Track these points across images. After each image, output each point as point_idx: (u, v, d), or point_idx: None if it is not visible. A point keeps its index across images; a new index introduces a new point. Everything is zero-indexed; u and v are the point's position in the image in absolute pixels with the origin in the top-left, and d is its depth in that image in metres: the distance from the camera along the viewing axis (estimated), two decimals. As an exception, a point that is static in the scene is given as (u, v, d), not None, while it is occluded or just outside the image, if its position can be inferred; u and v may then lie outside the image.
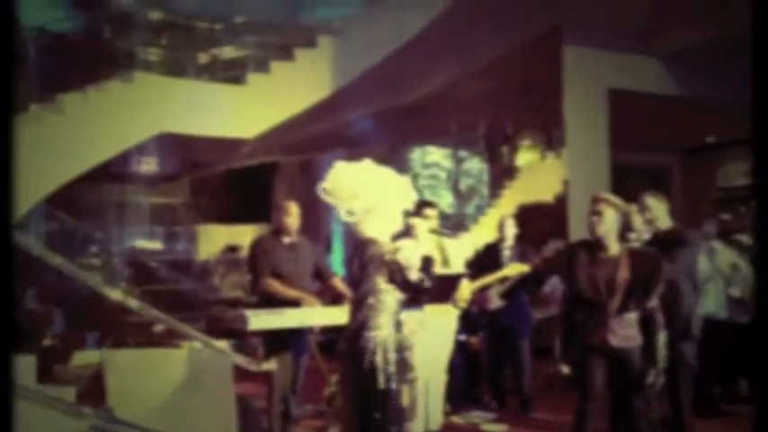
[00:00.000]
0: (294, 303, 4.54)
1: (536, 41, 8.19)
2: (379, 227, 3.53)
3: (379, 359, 3.34)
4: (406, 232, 5.13)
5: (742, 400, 5.98)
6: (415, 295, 3.67)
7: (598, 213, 3.78)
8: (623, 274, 3.72)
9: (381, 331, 3.40)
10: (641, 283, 3.71)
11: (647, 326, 3.80)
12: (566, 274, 3.96)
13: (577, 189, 8.24)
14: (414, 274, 3.47)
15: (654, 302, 3.77)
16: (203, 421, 3.71)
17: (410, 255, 3.53)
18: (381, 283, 3.46)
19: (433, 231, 5.17)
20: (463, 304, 5.07)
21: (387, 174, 3.61)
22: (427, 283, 3.56)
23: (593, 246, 3.82)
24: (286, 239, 4.80)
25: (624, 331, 3.75)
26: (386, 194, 3.54)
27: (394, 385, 3.38)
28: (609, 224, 3.78)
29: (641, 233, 4.65)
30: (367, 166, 3.61)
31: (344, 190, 3.51)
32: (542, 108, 10.26)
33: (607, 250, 3.79)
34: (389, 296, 3.49)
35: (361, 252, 3.53)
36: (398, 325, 3.50)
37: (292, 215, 4.78)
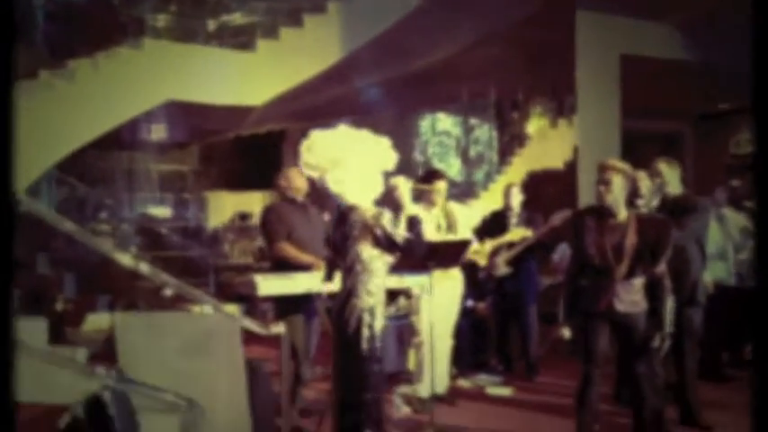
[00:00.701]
0: (306, 269, 4.56)
1: (548, 7, 8.08)
2: (360, 192, 3.51)
3: (364, 326, 3.35)
4: (418, 196, 5.16)
5: (747, 366, 6.01)
6: (405, 256, 3.66)
7: (605, 182, 3.77)
8: (631, 240, 3.72)
9: (370, 298, 3.40)
10: (649, 249, 3.72)
11: (653, 291, 3.82)
12: (573, 241, 3.96)
13: (588, 156, 8.19)
14: (399, 237, 3.44)
15: (661, 268, 3.78)
16: (213, 384, 3.77)
17: (390, 221, 3.49)
18: (367, 249, 3.44)
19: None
20: (483, 262, 5.11)
21: (365, 136, 3.57)
22: (415, 244, 3.53)
23: (602, 212, 3.82)
24: (299, 199, 4.79)
25: (630, 297, 3.76)
26: (366, 157, 3.51)
27: (378, 353, 3.39)
28: (617, 192, 3.77)
29: (650, 199, 4.64)
30: (344, 132, 3.58)
31: (325, 159, 3.48)
32: (554, 74, 10.16)
33: (615, 216, 3.79)
34: (377, 261, 3.48)
35: (342, 220, 3.53)
36: (394, 292, 3.49)
37: (298, 179, 4.76)
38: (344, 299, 3.44)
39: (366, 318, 3.37)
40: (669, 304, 3.85)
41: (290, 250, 4.64)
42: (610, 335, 3.84)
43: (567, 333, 3.97)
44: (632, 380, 3.85)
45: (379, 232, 3.40)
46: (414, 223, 3.60)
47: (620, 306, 3.75)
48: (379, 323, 3.40)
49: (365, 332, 3.36)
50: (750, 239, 5.95)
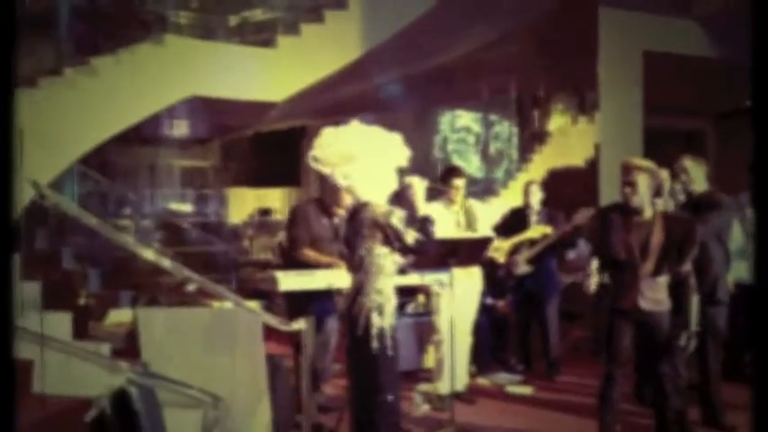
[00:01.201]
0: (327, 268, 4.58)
1: (570, 3, 8.02)
2: (373, 188, 3.49)
3: (373, 325, 3.34)
4: (437, 194, 5.14)
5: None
6: (415, 257, 3.63)
7: (631, 183, 3.74)
8: (657, 238, 3.70)
9: (378, 296, 3.38)
10: (675, 247, 3.70)
11: (677, 290, 3.79)
12: (598, 238, 3.93)
13: (609, 153, 8.13)
14: (410, 237, 3.42)
15: (687, 266, 3.75)
16: (235, 379, 3.79)
17: (401, 220, 3.46)
18: (376, 246, 3.42)
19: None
20: (502, 259, 5.09)
21: (377, 132, 3.54)
22: (425, 244, 3.50)
23: (627, 209, 3.80)
24: (326, 219, 4.79)
25: (654, 295, 3.75)
26: (378, 154, 3.48)
27: (389, 351, 3.36)
28: (643, 191, 3.75)
29: (667, 198, 4.60)
30: (355, 128, 3.55)
31: (336, 155, 3.46)
32: (576, 71, 10.10)
33: (641, 214, 3.77)
34: (386, 260, 3.45)
35: (353, 216, 3.52)
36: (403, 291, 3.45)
37: (343, 206, 4.74)
38: (353, 297, 3.44)
39: (375, 317, 3.34)
40: (694, 303, 3.82)
41: (310, 255, 4.67)
42: (633, 334, 3.82)
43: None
44: (655, 380, 3.83)
45: (388, 231, 3.39)
46: (425, 224, 3.56)
47: (645, 304, 3.73)
48: (388, 322, 3.37)
49: (374, 331, 3.34)
50: None
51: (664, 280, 3.77)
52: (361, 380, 3.42)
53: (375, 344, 3.33)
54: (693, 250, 3.73)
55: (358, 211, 3.49)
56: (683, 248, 3.70)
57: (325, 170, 3.54)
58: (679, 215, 4.10)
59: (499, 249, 5.70)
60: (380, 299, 3.38)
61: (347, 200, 4.59)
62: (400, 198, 4.34)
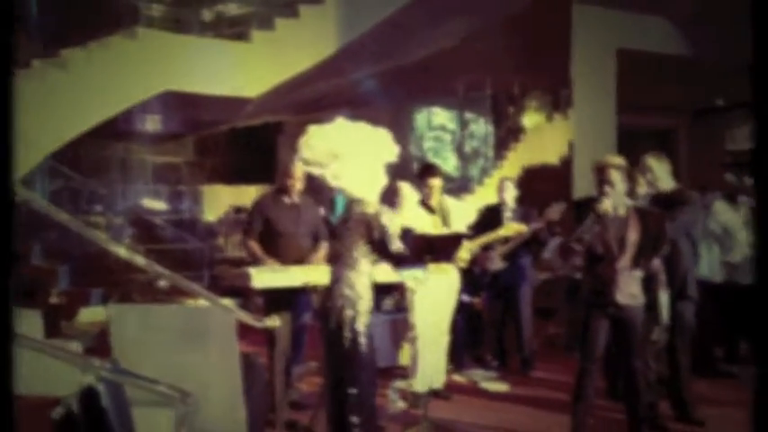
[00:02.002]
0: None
1: (545, 0, 8.06)
2: (363, 186, 3.47)
3: (346, 321, 3.32)
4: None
5: (741, 361, 6.03)
6: (391, 263, 3.63)
7: (609, 182, 3.77)
8: (633, 233, 3.76)
9: (352, 292, 3.37)
10: (651, 241, 3.75)
11: (648, 284, 3.83)
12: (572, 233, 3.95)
13: (583, 150, 8.20)
14: (394, 244, 3.41)
15: (656, 262, 3.80)
16: (208, 377, 3.75)
17: (391, 220, 3.46)
18: (359, 243, 3.42)
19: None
20: (462, 264, 5.08)
21: (364, 129, 3.52)
22: (403, 257, 3.48)
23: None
24: (287, 200, 4.81)
25: (630, 289, 3.79)
26: (366, 151, 3.46)
27: (363, 347, 3.35)
28: (619, 189, 3.79)
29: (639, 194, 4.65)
30: (342, 125, 3.53)
31: (324, 154, 3.43)
32: (550, 68, 10.15)
33: (616, 210, 3.80)
34: (366, 258, 3.45)
35: (346, 212, 3.52)
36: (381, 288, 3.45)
37: (296, 178, 4.77)
38: (329, 290, 3.43)
39: (348, 312, 3.34)
40: (664, 298, 3.86)
41: (251, 247, 4.73)
42: (608, 329, 3.85)
43: None
44: (627, 374, 3.86)
45: (376, 231, 3.37)
46: (407, 236, 3.56)
47: (622, 298, 3.76)
48: (362, 319, 3.36)
49: (347, 327, 3.32)
50: (731, 240, 5.96)
51: (638, 275, 3.82)
52: (333, 374, 3.41)
53: (348, 339, 3.31)
54: (666, 246, 3.78)
55: (349, 206, 3.47)
56: (657, 244, 3.76)
57: (316, 172, 3.51)
58: (651, 210, 4.14)
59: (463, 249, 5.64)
60: (354, 295, 3.37)
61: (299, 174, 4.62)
62: (388, 199, 4.33)
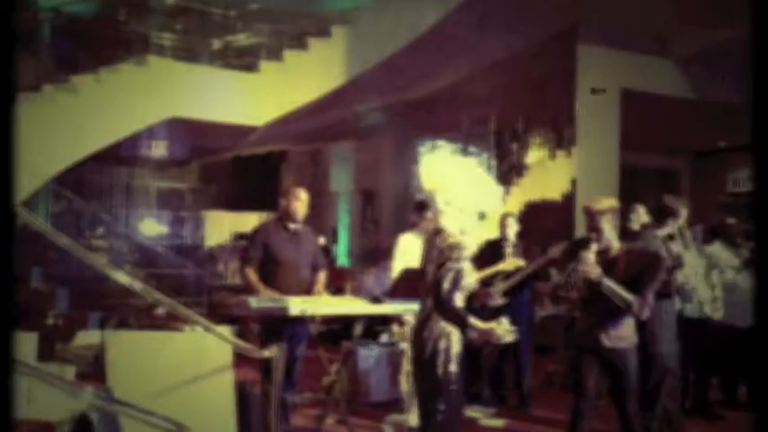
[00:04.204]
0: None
1: (550, 39, 8.16)
2: (461, 223, 3.44)
3: (440, 351, 3.30)
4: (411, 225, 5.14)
5: (741, 406, 5.98)
6: (435, 309, 3.57)
7: (596, 229, 3.78)
8: (619, 273, 3.71)
9: (444, 323, 3.33)
10: (635, 282, 3.69)
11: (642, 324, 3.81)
12: (573, 271, 3.93)
13: (585, 188, 8.22)
14: (459, 298, 3.35)
15: (646, 312, 3.73)
16: (202, 405, 3.73)
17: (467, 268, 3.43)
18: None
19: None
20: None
21: (483, 175, 3.57)
22: (451, 311, 3.39)
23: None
24: (291, 226, 4.80)
25: (618, 332, 3.74)
26: (480, 191, 3.49)
27: (453, 377, 3.30)
28: (609, 232, 3.79)
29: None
30: (470, 163, 3.61)
31: (446, 177, 3.47)
32: (554, 106, 10.23)
33: (608, 251, 3.79)
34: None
35: (429, 239, 3.50)
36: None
37: (301, 201, 4.76)
38: (423, 321, 3.41)
39: (442, 343, 3.32)
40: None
41: (248, 276, 4.70)
42: (600, 370, 3.82)
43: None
44: (621, 421, 3.79)
45: (444, 264, 3.30)
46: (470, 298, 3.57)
47: (607, 341, 3.73)
48: (455, 348, 3.34)
49: (441, 357, 3.30)
50: (741, 278, 5.92)
51: (629, 317, 3.76)
52: (427, 403, 3.37)
53: (440, 369, 3.29)
54: (653, 285, 3.72)
55: (434, 235, 3.46)
56: (645, 279, 3.69)
57: (429, 186, 3.53)
58: (644, 249, 4.14)
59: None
60: (447, 325, 3.34)
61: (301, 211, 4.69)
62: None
